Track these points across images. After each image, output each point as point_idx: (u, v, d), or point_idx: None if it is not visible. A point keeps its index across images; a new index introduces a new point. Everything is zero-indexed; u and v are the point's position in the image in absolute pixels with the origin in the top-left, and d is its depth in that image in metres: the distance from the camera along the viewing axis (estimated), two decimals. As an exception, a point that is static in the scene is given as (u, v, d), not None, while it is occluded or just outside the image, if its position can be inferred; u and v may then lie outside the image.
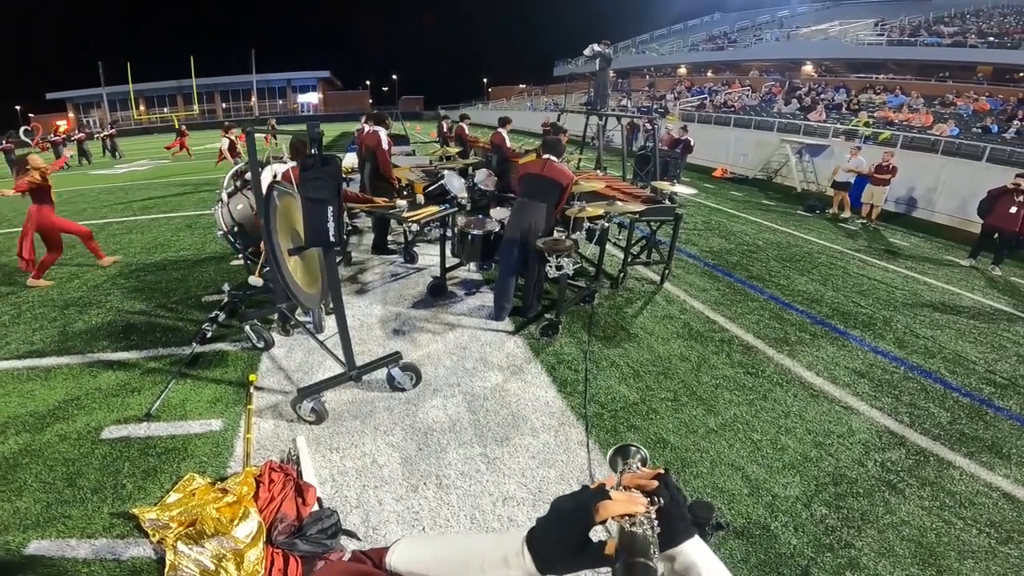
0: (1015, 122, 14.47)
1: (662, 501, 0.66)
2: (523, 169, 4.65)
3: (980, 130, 14.41)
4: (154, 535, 2.31)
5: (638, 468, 0.76)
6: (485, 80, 64.90)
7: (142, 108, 51.04)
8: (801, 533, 2.58)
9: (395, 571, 0.78)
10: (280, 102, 57.22)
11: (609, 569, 0.61)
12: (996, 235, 7.71)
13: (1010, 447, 3.40)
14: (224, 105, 55.01)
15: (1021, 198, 7.52)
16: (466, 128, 11.61)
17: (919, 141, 13.14)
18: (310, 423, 3.21)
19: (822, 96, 20.84)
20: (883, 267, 7.31)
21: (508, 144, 8.71)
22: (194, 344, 4.07)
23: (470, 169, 7.80)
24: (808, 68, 26.13)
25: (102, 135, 21.76)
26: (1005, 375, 4.39)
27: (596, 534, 0.67)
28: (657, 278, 6.02)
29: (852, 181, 10.55)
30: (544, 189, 4.46)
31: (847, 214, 10.69)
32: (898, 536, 2.61)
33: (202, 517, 2.29)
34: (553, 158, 4.53)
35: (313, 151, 2.64)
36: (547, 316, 4.64)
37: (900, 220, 11.06)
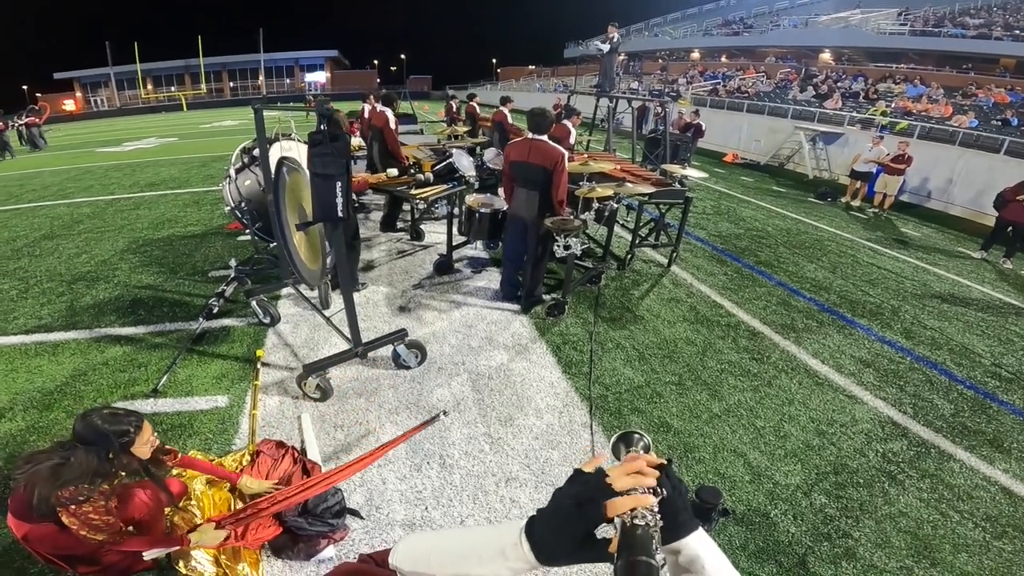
0: (1036, 114, 14.17)
1: (664, 492, 0.66)
2: (510, 155, 4.28)
3: (999, 123, 14.11)
4: None
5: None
6: (494, 60, 64.08)
7: (149, 87, 50.80)
8: (800, 522, 2.59)
9: (398, 569, 0.79)
10: (287, 81, 56.73)
11: (609, 563, 0.60)
12: (1010, 229, 7.62)
13: (1011, 442, 3.38)
14: (232, 84, 54.63)
15: None
16: (477, 107, 11.54)
17: (937, 132, 12.90)
18: (315, 400, 3.23)
19: (839, 84, 20.45)
20: (893, 257, 7.23)
21: (510, 121, 8.69)
22: (201, 319, 4.09)
23: (478, 148, 7.75)
24: (826, 56, 25.59)
25: (18, 124, 18.45)
26: (1011, 369, 4.35)
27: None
28: (665, 261, 5.99)
29: (873, 171, 10.36)
30: (531, 176, 4.15)
31: (858, 202, 10.55)
32: (895, 527, 2.61)
33: (192, 491, 2.33)
34: (539, 137, 4.14)
35: (322, 127, 2.61)
36: (553, 296, 4.63)
37: (913, 210, 10.89)
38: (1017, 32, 19.14)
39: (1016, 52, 18.76)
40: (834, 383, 3.86)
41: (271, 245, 4.77)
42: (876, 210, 10.23)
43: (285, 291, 4.67)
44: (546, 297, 4.69)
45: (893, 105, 16.62)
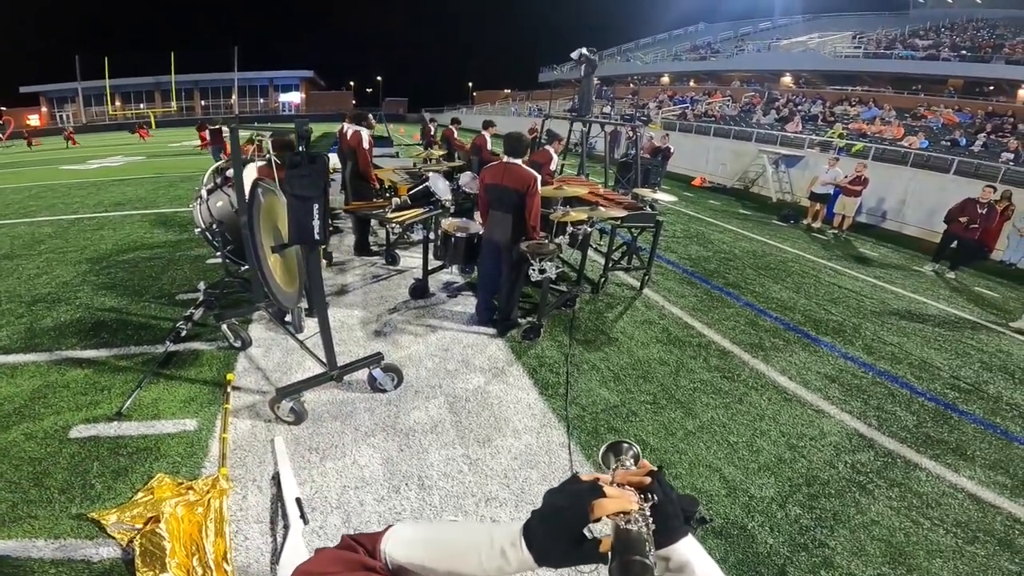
0: (982, 135, 15.03)
1: (655, 498, 0.66)
2: (484, 178, 4.33)
3: (949, 143, 14.92)
4: (122, 538, 2.26)
5: (631, 465, 0.76)
6: (470, 84, 65.08)
7: (118, 104, 49.82)
8: (777, 533, 2.64)
9: (391, 559, 0.75)
10: (261, 101, 56.39)
11: (604, 565, 0.61)
12: (955, 243, 8.15)
13: (974, 449, 3.53)
14: (203, 102, 54.02)
15: (983, 210, 7.93)
16: (455, 132, 11.65)
17: (890, 153, 13.56)
18: (289, 423, 3.16)
19: (799, 107, 21.37)
20: (853, 276, 7.52)
21: (489, 147, 8.76)
22: (168, 342, 3.98)
23: (454, 172, 7.80)
24: (787, 79, 26.79)
25: None
26: (968, 381, 4.55)
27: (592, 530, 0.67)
28: (637, 284, 6.10)
29: (831, 192, 10.81)
30: (505, 199, 4.20)
31: (818, 224, 10.97)
32: (869, 536, 2.68)
33: (161, 514, 2.26)
34: (514, 160, 4.20)
35: (300, 148, 2.61)
36: (529, 319, 4.66)
37: (870, 231, 11.38)
38: (964, 52, 20.36)
39: (962, 73, 19.92)
40: (802, 399, 3.98)
41: (243, 268, 4.69)
42: (836, 231, 10.66)
43: (257, 315, 4.58)
44: (522, 320, 4.72)
45: (849, 127, 17.43)
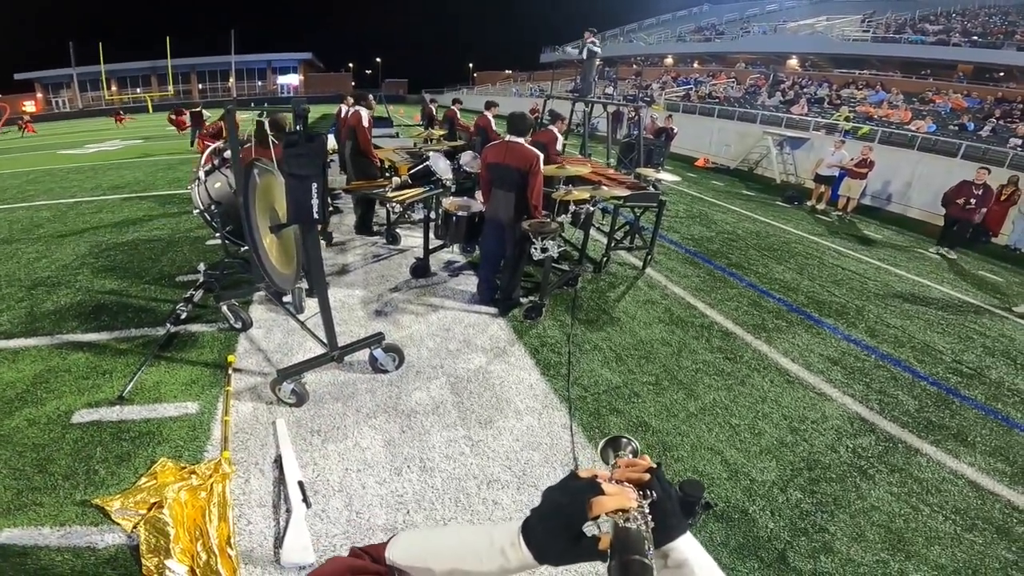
0: (991, 120, 14.83)
1: (654, 495, 0.66)
2: (487, 157, 4.31)
3: (957, 127, 14.73)
4: (127, 524, 2.26)
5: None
6: (471, 65, 64.20)
7: (114, 89, 49.19)
8: (778, 517, 2.64)
9: (395, 565, 0.77)
10: (260, 83, 55.67)
11: (603, 563, 0.60)
12: (955, 226, 8.33)
13: (975, 436, 3.52)
14: (200, 86, 53.29)
15: (979, 191, 7.96)
16: (458, 113, 11.57)
17: (897, 137, 13.40)
18: (290, 405, 3.16)
19: (805, 90, 21.07)
20: (857, 258, 7.47)
21: (494, 128, 8.68)
22: (168, 325, 3.97)
23: (455, 152, 7.72)
24: (793, 62, 26.34)
25: None
26: (971, 365, 4.53)
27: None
28: (639, 263, 6.06)
29: (836, 175, 10.74)
30: (507, 177, 4.19)
31: (823, 206, 10.89)
32: (869, 521, 2.68)
33: (165, 500, 2.26)
34: (516, 139, 4.18)
35: (298, 128, 2.56)
36: (531, 299, 4.64)
37: (875, 213, 11.29)
38: (975, 38, 19.99)
39: (973, 58, 19.57)
40: (804, 381, 3.96)
41: (242, 249, 4.66)
42: (840, 213, 10.58)
43: (257, 295, 4.56)
44: (523, 300, 4.70)
45: (856, 110, 17.20)
